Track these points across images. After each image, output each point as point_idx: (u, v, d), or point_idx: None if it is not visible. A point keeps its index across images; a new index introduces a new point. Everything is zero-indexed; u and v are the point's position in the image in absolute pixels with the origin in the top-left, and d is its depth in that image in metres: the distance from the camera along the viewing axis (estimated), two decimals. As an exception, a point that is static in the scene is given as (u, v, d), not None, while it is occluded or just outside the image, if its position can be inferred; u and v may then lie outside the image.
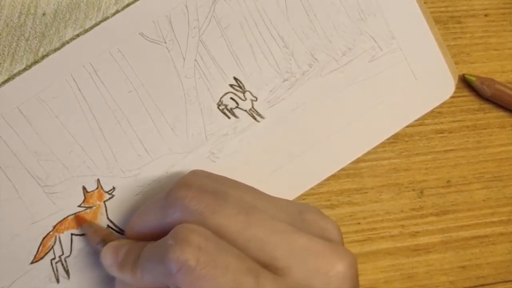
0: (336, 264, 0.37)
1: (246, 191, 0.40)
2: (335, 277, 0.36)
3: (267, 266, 0.36)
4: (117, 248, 0.40)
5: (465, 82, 0.52)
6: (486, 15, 0.53)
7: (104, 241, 0.41)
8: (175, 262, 0.34)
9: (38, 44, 0.42)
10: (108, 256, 0.40)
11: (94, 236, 0.42)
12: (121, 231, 0.44)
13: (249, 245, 0.36)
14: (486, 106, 0.53)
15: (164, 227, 0.38)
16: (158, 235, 0.38)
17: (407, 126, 0.50)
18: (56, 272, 0.43)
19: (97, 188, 0.43)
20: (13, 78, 0.42)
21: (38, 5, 0.42)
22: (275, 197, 0.40)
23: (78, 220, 0.43)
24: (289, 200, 0.41)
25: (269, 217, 0.37)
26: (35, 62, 0.42)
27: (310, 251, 0.37)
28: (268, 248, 0.36)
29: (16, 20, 0.42)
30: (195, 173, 0.41)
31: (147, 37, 0.44)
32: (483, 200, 0.52)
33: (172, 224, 0.37)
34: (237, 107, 0.46)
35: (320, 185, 0.48)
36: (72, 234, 0.43)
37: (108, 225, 0.44)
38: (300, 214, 0.40)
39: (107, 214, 0.44)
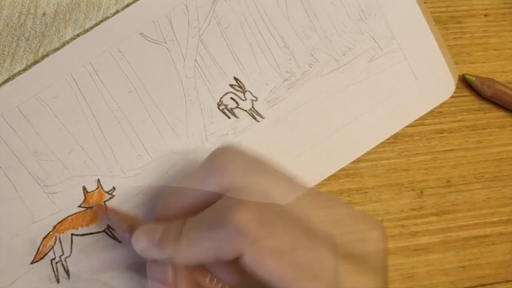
0: (373, 228, 0.38)
1: (285, 172, 0.40)
2: (374, 240, 0.38)
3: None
4: (151, 230, 0.39)
5: (465, 82, 0.52)
6: (486, 15, 0.53)
7: (131, 227, 0.40)
8: (238, 221, 0.34)
9: (38, 44, 0.42)
10: (141, 238, 0.39)
11: (120, 223, 0.42)
12: (121, 231, 0.44)
13: (300, 217, 0.37)
14: (486, 106, 0.53)
15: (206, 198, 0.38)
16: (197, 210, 0.38)
17: (407, 126, 0.50)
18: (56, 272, 0.43)
19: (97, 188, 0.43)
20: (13, 78, 0.42)
21: (38, 5, 0.42)
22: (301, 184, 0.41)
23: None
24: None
25: (308, 194, 0.39)
26: (35, 62, 0.42)
27: (350, 218, 0.38)
28: (316, 220, 0.37)
29: (16, 20, 0.42)
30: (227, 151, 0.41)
31: (147, 37, 0.44)
32: (483, 200, 0.52)
33: (218, 192, 0.38)
34: (237, 107, 0.46)
35: (320, 185, 0.48)
36: (72, 234, 0.43)
37: (108, 226, 0.44)
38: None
39: (107, 214, 0.44)
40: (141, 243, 0.39)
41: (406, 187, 0.51)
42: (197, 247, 0.36)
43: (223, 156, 0.39)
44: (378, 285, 0.36)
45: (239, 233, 0.34)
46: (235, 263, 0.36)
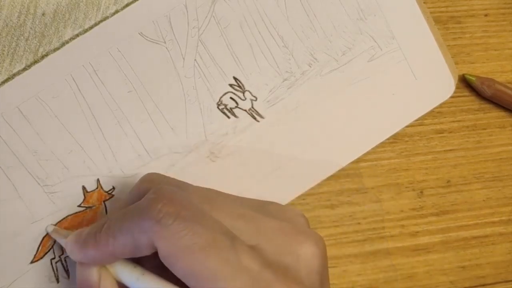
0: (304, 243, 0.37)
1: (204, 188, 0.40)
2: (304, 255, 0.37)
3: None
4: (80, 232, 0.39)
5: (465, 82, 0.52)
6: (486, 15, 0.53)
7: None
8: (157, 212, 0.34)
9: (38, 44, 0.42)
10: (70, 241, 0.38)
11: (60, 237, 0.42)
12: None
13: (222, 216, 0.37)
14: (486, 106, 0.53)
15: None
16: None
17: (407, 126, 0.50)
18: (56, 272, 0.43)
19: (97, 188, 0.43)
20: (13, 78, 0.42)
21: (38, 5, 0.42)
22: (235, 195, 0.41)
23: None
24: (249, 198, 0.41)
25: (231, 206, 0.38)
26: (35, 62, 0.42)
27: (277, 232, 0.37)
28: (234, 231, 0.36)
29: (16, 20, 0.42)
30: (153, 174, 0.42)
31: (147, 37, 0.44)
32: (483, 200, 0.52)
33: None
34: (236, 106, 0.46)
35: (320, 185, 0.48)
36: (71, 234, 0.43)
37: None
38: (263, 206, 0.40)
39: (107, 214, 0.44)
40: (68, 246, 0.38)
41: (406, 187, 0.51)
42: (115, 240, 0.36)
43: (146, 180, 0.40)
44: None
45: (155, 225, 0.34)
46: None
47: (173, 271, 0.35)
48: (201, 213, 0.36)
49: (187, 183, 0.40)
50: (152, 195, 0.35)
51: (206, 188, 0.40)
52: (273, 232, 0.37)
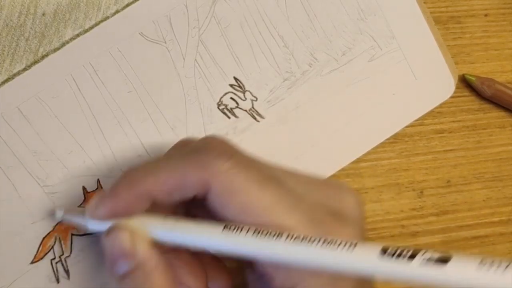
0: (345, 192, 0.38)
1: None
2: (348, 203, 0.37)
3: None
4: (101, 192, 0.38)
5: (465, 82, 0.52)
6: (486, 15, 0.53)
7: None
8: (213, 149, 0.34)
9: (38, 44, 0.42)
10: (95, 198, 0.37)
11: (75, 216, 0.40)
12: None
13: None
14: (486, 106, 0.53)
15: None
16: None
17: (407, 126, 0.50)
18: (56, 272, 0.43)
19: (97, 188, 0.43)
20: (13, 78, 0.42)
21: (38, 5, 0.42)
22: None
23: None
24: None
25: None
26: (35, 62, 0.42)
27: (318, 182, 0.38)
28: (283, 177, 0.36)
29: (16, 20, 0.42)
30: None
31: (147, 37, 0.44)
32: (483, 200, 0.52)
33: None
34: (237, 107, 0.46)
35: (320, 185, 0.48)
36: (72, 234, 0.43)
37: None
38: None
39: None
40: (92, 205, 0.37)
41: (406, 187, 0.51)
42: (156, 178, 0.35)
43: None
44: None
45: (213, 160, 0.34)
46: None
47: (223, 211, 0.34)
48: (252, 156, 0.36)
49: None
50: (206, 139, 0.36)
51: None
52: (315, 182, 0.38)
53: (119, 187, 0.36)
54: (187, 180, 0.34)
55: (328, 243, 0.32)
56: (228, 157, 0.34)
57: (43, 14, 0.42)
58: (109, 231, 0.36)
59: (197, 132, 0.45)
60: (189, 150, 0.36)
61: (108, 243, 0.36)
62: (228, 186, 0.34)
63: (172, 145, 0.43)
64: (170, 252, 0.38)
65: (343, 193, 0.38)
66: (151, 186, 0.35)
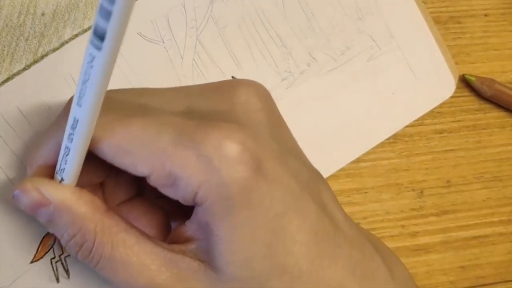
0: (239, 89, 0.35)
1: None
2: (240, 99, 0.35)
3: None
4: None
5: (465, 82, 0.52)
6: (486, 15, 0.53)
7: None
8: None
9: (37, 44, 0.42)
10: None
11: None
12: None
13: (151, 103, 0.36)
14: (486, 106, 0.53)
15: None
16: None
17: (407, 126, 0.50)
18: (56, 272, 0.43)
19: (96, 188, 0.44)
20: (13, 78, 0.42)
21: (37, 5, 0.42)
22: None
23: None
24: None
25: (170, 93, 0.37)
26: (35, 61, 0.42)
27: (208, 88, 0.36)
28: (167, 100, 0.36)
29: (16, 20, 0.42)
30: None
31: (145, 36, 0.44)
32: (483, 200, 0.52)
33: None
34: (235, 106, 0.46)
35: (320, 185, 0.48)
36: (71, 233, 0.43)
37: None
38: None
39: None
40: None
41: (406, 187, 0.51)
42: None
43: None
44: (238, 135, 0.32)
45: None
46: None
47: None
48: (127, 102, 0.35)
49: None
50: None
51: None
52: (203, 89, 0.36)
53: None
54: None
55: None
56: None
57: (43, 14, 0.42)
58: (16, 194, 0.35)
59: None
60: None
61: (19, 203, 0.35)
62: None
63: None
64: (123, 207, 0.38)
65: (234, 91, 0.35)
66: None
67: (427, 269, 0.51)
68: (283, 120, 0.38)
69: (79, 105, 0.30)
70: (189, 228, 0.34)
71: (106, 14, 0.26)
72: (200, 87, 0.37)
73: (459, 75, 0.52)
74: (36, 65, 0.42)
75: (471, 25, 0.53)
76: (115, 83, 0.43)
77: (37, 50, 0.42)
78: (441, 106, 0.50)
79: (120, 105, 0.35)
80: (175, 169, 0.32)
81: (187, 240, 0.35)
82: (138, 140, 0.32)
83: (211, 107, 0.35)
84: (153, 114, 0.34)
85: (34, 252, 0.43)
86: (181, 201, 0.33)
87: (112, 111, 0.33)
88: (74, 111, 0.31)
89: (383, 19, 0.48)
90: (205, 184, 0.32)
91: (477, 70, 0.53)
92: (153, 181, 0.33)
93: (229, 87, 0.36)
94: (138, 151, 0.32)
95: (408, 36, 0.48)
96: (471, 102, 0.53)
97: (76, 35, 0.43)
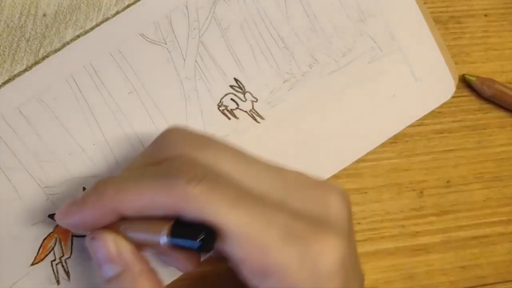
0: (331, 194, 0.38)
1: (230, 145, 0.39)
2: (333, 205, 0.37)
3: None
4: (72, 198, 0.38)
5: (465, 82, 0.52)
6: (486, 15, 0.53)
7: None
8: (186, 173, 0.34)
9: (39, 45, 0.42)
10: (64, 205, 0.38)
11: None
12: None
13: (243, 177, 0.36)
14: (486, 106, 0.53)
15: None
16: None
17: (407, 126, 0.50)
18: (56, 274, 0.43)
19: (97, 189, 0.43)
20: (14, 79, 0.42)
21: (39, 6, 0.42)
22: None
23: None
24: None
25: (256, 157, 0.38)
26: (36, 63, 0.42)
27: (303, 183, 0.38)
28: (262, 180, 0.36)
29: (17, 21, 0.42)
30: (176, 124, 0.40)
31: (148, 38, 0.44)
32: (483, 200, 0.52)
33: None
34: (237, 108, 0.46)
35: (320, 185, 0.48)
36: (72, 235, 0.43)
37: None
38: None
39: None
40: (60, 212, 0.38)
41: (406, 187, 0.51)
42: (125, 195, 0.35)
43: (169, 137, 0.38)
44: (340, 247, 0.35)
45: (185, 185, 0.33)
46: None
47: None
48: (224, 174, 0.35)
49: (210, 137, 0.39)
50: (177, 162, 0.35)
51: (229, 144, 0.39)
52: (300, 184, 0.37)
53: (88, 201, 0.36)
54: (156, 203, 0.34)
55: None
56: (198, 181, 0.33)
57: (44, 15, 0.42)
58: (94, 235, 0.36)
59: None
60: (160, 170, 0.35)
61: (93, 248, 0.37)
62: (199, 212, 0.33)
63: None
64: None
65: (328, 195, 0.37)
66: (119, 205, 0.35)
67: (427, 269, 0.51)
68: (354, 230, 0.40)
69: None
70: None
71: None
72: (295, 177, 0.38)
73: (459, 75, 0.52)
74: (37, 66, 0.42)
75: (471, 25, 0.53)
76: (116, 84, 0.43)
77: (38, 51, 0.42)
78: (441, 106, 0.50)
79: (228, 184, 0.36)
80: (274, 265, 0.34)
81: None
82: (246, 229, 0.34)
83: (307, 207, 0.37)
84: (259, 203, 0.35)
85: (35, 255, 0.43)
86: None
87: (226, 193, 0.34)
88: None
89: (384, 21, 0.48)
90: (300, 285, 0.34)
91: (477, 70, 0.53)
92: (243, 268, 0.35)
93: (324, 191, 0.38)
94: (243, 239, 0.34)
95: (409, 38, 0.48)
96: (471, 102, 0.53)
97: (78, 36, 0.43)
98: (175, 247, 0.34)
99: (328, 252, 0.35)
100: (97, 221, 0.36)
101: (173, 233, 0.34)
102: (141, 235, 0.36)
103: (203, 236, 0.33)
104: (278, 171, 0.38)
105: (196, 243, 0.33)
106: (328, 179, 0.48)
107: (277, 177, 0.37)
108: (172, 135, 0.38)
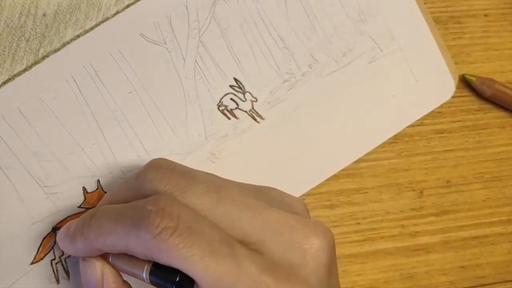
0: (311, 237, 0.37)
1: (211, 174, 0.40)
2: (311, 250, 0.37)
3: (240, 242, 0.36)
4: (68, 225, 0.39)
5: (465, 82, 0.52)
6: (486, 15, 0.53)
7: None
8: (156, 227, 0.34)
9: (39, 44, 0.42)
10: (60, 234, 0.39)
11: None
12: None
13: (221, 221, 0.36)
14: (486, 106, 0.53)
15: None
16: None
17: (407, 126, 0.50)
18: (56, 273, 0.43)
19: (97, 189, 0.43)
20: (13, 79, 0.42)
21: (39, 6, 0.42)
22: (235, 181, 0.41)
23: None
24: (248, 184, 0.41)
25: (238, 194, 0.38)
26: (36, 62, 0.42)
27: (283, 225, 0.37)
28: (240, 223, 0.36)
29: (17, 21, 0.42)
30: (161, 158, 0.41)
31: (147, 37, 0.44)
32: (483, 200, 0.52)
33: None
34: (237, 108, 0.46)
35: (320, 185, 0.48)
36: (72, 235, 0.43)
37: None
38: (263, 192, 0.40)
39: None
40: (59, 240, 0.39)
41: (406, 187, 0.51)
42: (105, 240, 0.36)
43: (152, 170, 0.39)
44: None
45: (152, 239, 0.34)
46: None
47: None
48: (199, 222, 0.35)
49: (193, 170, 0.39)
50: (150, 207, 0.35)
51: (212, 175, 0.40)
52: (278, 226, 0.37)
53: (76, 239, 0.38)
54: (132, 250, 0.35)
55: None
56: (170, 233, 0.34)
57: (44, 15, 0.42)
58: (85, 258, 0.39)
59: (198, 133, 0.45)
60: (135, 215, 0.36)
61: (83, 268, 0.39)
62: (171, 262, 0.34)
63: (173, 146, 0.43)
64: None
65: (308, 237, 0.37)
66: (102, 247, 0.37)
67: (427, 269, 0.51)
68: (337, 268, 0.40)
69: None
70: None
71: None
72: (277, 218, 0.38)
73: (459, 75, 0.52)
74: (37, 66, 0.42)
75: (471, 25, 0.53)
76: (116, 84, 0.43)
77: (38, 51, 0.42)
78: (441, 106, 0.50)
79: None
80: None
81: None
82: (215, 283, 0.34)
83: (284, 252, 0.37)
84: (232, 254, 0.35)
85: (35, 254, 0.43)
86: None
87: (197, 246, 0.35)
88: None
89: (384, 21, 0.48)
90: None
91: (477, 70, 0.53)
92: None
93: (305, 233, 0.37)
94: None
95: (409, 38, 0.48)
96: (471, 102, 0.53)
97: (78, 36, 0.43)
98: (155, 285, 0.36)
99: None
100: (88, 254, 0.38)
101: (152, 273, 0.36)
102: (126, 268, 0.38)
103: (178, 279, 0.35)
104: (259, 211, 0.38)
105: (173, 285, 0.35)
106: (327, 180, 0.48)
107: (257, 217, 0.37)
108: (154, 171, 0.38)
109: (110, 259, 0.38)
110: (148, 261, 0.36)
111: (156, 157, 0.41)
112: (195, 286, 0.35)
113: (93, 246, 0.37)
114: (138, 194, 0.38)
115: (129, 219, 0.36)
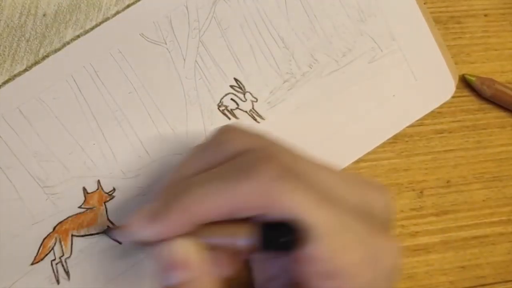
0: (377, 193, 0.37)
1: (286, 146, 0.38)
2: (387, 206, 0.37)
3: None
4: (142, 209, 0.35)
5: (465, 82, 0.52)
6: (486, 15, 0.53)
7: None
8: (270, 170, 0.33)
9: (39, 44, 0.42)
10: (136, 218, 0.35)
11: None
12: (121, 232, 0.44)
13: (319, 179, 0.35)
14: (486, 106, 0.53)
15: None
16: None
17: (407, 126, 0.50)
18: (56, 273, 0.43)
19: (97, 189, 0.43)
20: (14, 79, 0.42)
21: (39, 6, 0.42)
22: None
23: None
24: None
25: (313, 162, 0.37)
26: (36, 62, 0.42)
27: (361, 185, 0.37)
28: (335, 183, 0.36)
29: (17, 21, 0.42)
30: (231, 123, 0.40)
31: (148, 37, 0.44)
32: (483, 200, 0.52)
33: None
34: (237, 108, 0.46)
35: (320, 185, 0.48)
36: (72, 235, 0.43)
37: (108, 226, 0.44)
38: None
39: (108, 215, 0.44)
40: (136, 224, 0.35)
41: (406, 187, 0.51)
42: (203, 203, 0.33)
43: (232, 132, 0.37)
44: (396, 246, 0.36)
45: (276, 180, 0.32)
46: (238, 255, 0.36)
47: None
48: (302, 172, 0.35)
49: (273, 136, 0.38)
50: (258, 154, 0.34)
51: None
52: (349, 182, 0.37)
53: (172, 213, 0.34)
54: (246, 207, 0.33)
55: None
56: (282, 178, 0.33)
57: (44, 15, 0.42)
58: (163, 242, 0.34)
59: (197, 133, 0.45)
60: (238, 167, 0.34)
61: (162, 252, 0.34)
62: (286, 210, 0.32)
63: (173, 146, 0.43)
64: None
65: (374, 193, 0.37)
66: (209, 214, 0.34)
67: (427, 269, 0.51)
68: None
69: None
70: None
71: None
72: (353, 179, 0.38)
73: (459, 75, 0.52)
74: (37, 66, 0.42)
75: (471, 25, 0.53)
76: (116, 84, 0.43)
77: (38, 51, 0.42)
78: (441, 106, 0.50)
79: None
80: (345, 267, 0.34)
81: None
82: (329, 230, 0.33)
83: (371, 209, 0.37)
84: (338, 205, 0.35)
85: (35, 254, 0.42)
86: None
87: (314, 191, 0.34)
88: None
89: (384, 21, 0.48)
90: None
91: (477, 70, 0.53)
92: (311, 267, 0.34)
93: (379, 191, 0.38)
94: (325, 239, 0.34)
95: (409, 38, 0.48)
96: (471, 102, 0.53)
97: (78, 36, 0.43)
98: (265, 248, 0.33)
99: (389, 253, 0.36)
100: (178, 231, 0.34)
101: (263, 230, 0.33)
102: (222, 239, 0.34)
103: (293, 235, 0.32)
104: (329, 170, 0.37)
105: (289, 242, 0.32)
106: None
107: (331, 175, 0.36)
108: (234, 130, 0.37)
109: (199, 236, 0.34)
110: (249, 223, 0.33)
111: (157, 156, 0.41)
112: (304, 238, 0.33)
113: (191, 218, 0.33)
114: (222, 157, 0.35)
115: (235, 173, 0.33)
